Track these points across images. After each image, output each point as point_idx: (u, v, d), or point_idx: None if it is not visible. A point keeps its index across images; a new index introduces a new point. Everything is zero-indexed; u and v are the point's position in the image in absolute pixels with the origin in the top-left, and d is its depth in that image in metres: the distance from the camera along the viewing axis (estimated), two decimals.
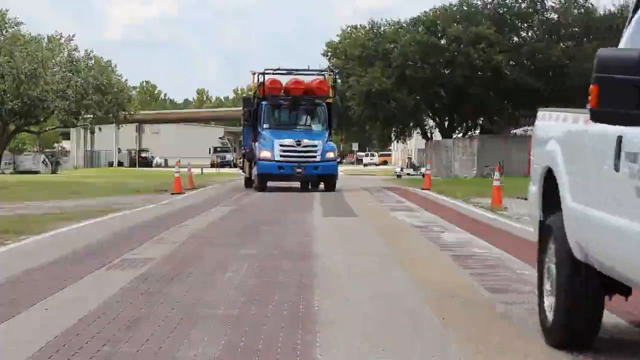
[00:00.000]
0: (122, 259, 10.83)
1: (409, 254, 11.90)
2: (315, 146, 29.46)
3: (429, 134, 63.09)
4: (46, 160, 69.88)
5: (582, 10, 53.17)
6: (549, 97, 52.02)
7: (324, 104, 31.02)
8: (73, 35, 58.11)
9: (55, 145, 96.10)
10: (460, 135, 59.40)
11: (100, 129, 68.26)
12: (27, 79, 52.15)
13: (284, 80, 32.14)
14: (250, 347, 6.21)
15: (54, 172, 63.84)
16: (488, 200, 22.18)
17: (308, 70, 35.17)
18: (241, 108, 36.41)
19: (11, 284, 8.93)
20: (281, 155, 28.93)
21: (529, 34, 55.38)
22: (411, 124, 60.02)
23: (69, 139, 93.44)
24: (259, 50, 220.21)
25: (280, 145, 29.07)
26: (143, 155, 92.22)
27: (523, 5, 54.31)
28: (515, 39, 54.60)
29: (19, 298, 8.03)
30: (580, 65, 49.09)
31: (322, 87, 31.55)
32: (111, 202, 22.55)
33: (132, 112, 64.41)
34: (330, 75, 34.72)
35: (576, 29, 53.07)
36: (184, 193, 27.51)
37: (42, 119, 58.88)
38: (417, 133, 66.16)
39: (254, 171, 30.12)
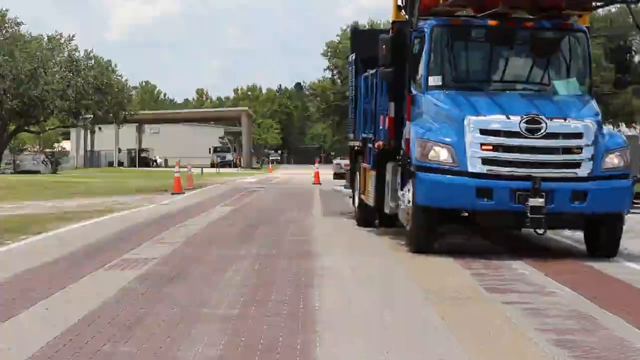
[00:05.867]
0: (122, 259, 10.83)
1: (409, 253, 11.87)
2: (580, 135, 11.52)
3: None
4: (46, 160, 69.86)
5: None
6: None
7: (584, 29, 12.89)
8: (73, 35, 58.20)
9: (55, 145, 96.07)
10: None
11: (100, 129, 68.27)
12: (27, 79, 52.15)
13: None
14: (250, 347, 6.21)
15: (54, 172, 63.81)
16: None
17: None
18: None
19: (11, 284, 8.93)
20: (485, 159, 11.39)
21: None
22: None
23: (69, 139, 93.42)
24: (259, 51, 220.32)
25: (482, 133, 11.46)
26: (143, 155, 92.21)
27: None
28: None
29: (19, 298, 8.03)
30: None
31: None
32: (111, 202, 22.53)
33: (132, 112, 64.40)
34: None
35: None
36: (184, 193, 27.49)
37: (42, 119, 58.88)
38: None
39: (404, 197, 12.18)
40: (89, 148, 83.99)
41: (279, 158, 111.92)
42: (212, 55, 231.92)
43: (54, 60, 55.66)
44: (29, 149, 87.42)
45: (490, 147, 11.31)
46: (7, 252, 11.72)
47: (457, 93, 12.10)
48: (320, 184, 35.57)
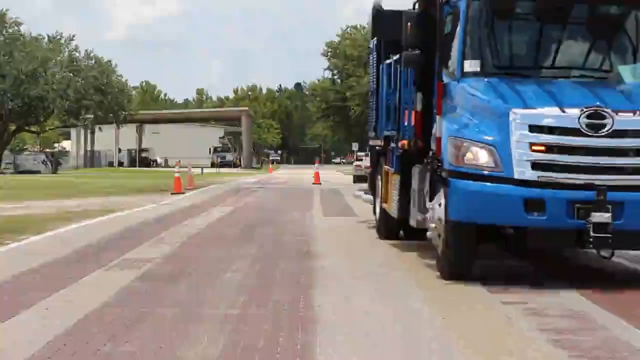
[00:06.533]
0: (122, 259, 10.84)
1: (409, 253, 11.88)
2: None
3: None
4: (46, 160, 69.89)
5: None
6: None
7: None
8: (73, 36, 58.26)
9: (56, 145, 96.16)
10: None
11: (100, 129, 68.38)
12: (27, 79, 52.17)
13: None
14: (250, 347, 6.21)
15: (54, 172, 63.85)
16: None
17: None
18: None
19: (11, 284, 8.93)
20: (535, 163, 9.08)
21: None
22: None
23: (69, 139, 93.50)
24: (259, 50, 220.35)
25: (532, 130, 9.16)
26: (143, 155, 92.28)
27: None
28: None
29: (19, 298, 8.03)
30: None
31: None
32: (111, 202, 22.54)
33: (131, 112, 64.43)
34: None
35: None
36: (184, 193, 27.50)
37: (42, 119, 58.90)
38: None
39: (434, 211, 9.93)
40: (89, 148, 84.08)
41: (279, 158, 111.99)
42: (212, 55, 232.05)
43: (54, 60, 55.68)
44: (28, 149, 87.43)
45: (542, 148, 9.01)
46: (7, 252, 11.72)
47: (499, 81, 9.75)
48: (320, 184, 35.61)
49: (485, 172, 9.07)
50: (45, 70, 53.27)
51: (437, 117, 9.98)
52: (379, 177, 14.39)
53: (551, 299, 8.36)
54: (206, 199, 25.37)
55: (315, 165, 45.00)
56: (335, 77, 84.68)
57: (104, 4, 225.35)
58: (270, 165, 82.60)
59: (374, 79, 15.01)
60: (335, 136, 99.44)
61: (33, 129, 63.69)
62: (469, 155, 9.22)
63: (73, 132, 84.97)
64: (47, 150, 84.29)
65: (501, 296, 8.42)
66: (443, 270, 9.60)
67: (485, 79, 9.75)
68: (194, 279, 9.40)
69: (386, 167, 13.50)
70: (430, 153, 10.18)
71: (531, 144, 8.96)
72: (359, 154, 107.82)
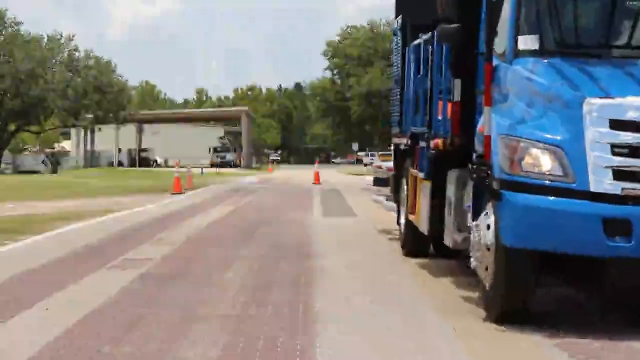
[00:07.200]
0: (122, 259, 10.85)
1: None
2: None
3: None
4: (46, 160, 69.89)
5: None
6: None
7: None
8: (73, 35, 58.31)
9: (55, 145, 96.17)
10: None
11: (100, 128, 68.44)
12: (26, 79, 52.20)
13: None
14: (250, 347, 6.21)
15: (54, 172, 63.86)
16: None
17: None
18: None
19: (11, 284, 8.93)
20: (618, 171, 6.70)
21: None
22: None
23: (69, 139, 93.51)
24: (259, 50, 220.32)
25: (614, 126, 6.75)
26: (143, 155, 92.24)
27: None
28: None
29: (19, 298, 8.03)
30: None
31: None
32: (111, 202, 22.53)
33: (131, 112, 64.52)
34: None
35: None
36: (183, 193, 27.49)
37: (42, 119, 58.95)
38: None
39: (480, 233, 7.40)
40: (89, 148, 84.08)
41: (279, 158, 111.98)
42: (212, 55, 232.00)
43: (53, 60, 55.76)
44: (29, 149, 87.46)
45: (627, 151, 6.73)
46: (7, 253, 11.72)
47: (564, 61, 7.43)
48: (320, 184, 35.59)
49: (550, 183, 6.80)
50: (44, 70, 53.32)
51: (485, 109, 7.56)
52: (405, 182, 12.05)
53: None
54: (206, 199, 25.35)
55: (315, 165, 44.98)
56: (336, 76, 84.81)
57: (104, 3, 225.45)
58: (270, 165, 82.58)
59: (398, 66, 12.72)
60: (335, 136, 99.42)
61: (33, 129, 63.74)
62: (527, 159, 6.97)
63: (73, 132, 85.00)
64: (47, 150, 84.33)
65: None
66: (490, 309, 7.39)
67: (546, 60, 7.50)
68: (194, 279, 9.40)
69: (414, 170, 11.13)
70: (474, 156, 7.85)
71: (613, 146, 6.72)
72: (359, 153, 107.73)
